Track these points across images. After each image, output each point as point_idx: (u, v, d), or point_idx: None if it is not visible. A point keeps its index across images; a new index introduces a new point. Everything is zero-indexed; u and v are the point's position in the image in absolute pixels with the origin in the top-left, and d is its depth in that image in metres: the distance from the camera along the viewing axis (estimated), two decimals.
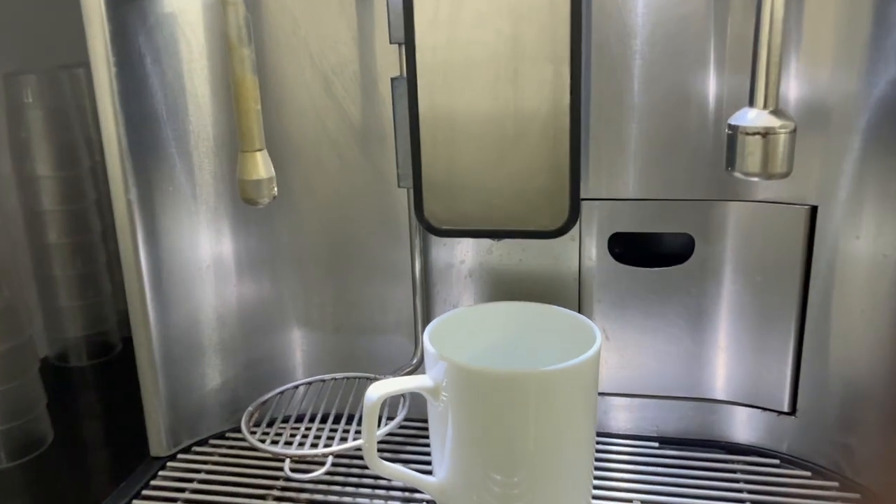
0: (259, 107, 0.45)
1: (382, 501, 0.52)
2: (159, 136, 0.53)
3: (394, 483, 0.53)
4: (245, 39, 0.44)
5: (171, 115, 0.53)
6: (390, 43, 0.52)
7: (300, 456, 0.51)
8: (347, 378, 0.60)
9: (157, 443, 0.58)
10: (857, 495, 0.51)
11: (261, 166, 0.46)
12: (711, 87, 0.50)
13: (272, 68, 0.55)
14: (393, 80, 0.53)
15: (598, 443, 0.58)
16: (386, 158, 0.56)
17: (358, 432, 0.54)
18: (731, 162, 0.42)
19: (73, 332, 0.75)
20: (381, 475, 0.49)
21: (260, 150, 0.46)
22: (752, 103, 0.42)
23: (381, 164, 0.57)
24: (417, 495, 0.52)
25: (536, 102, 0.43)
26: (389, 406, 0.56)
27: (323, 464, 0.50)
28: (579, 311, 0.57)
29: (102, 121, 0.52)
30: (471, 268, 0.58)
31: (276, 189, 0.47)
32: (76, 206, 0.72)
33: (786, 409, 0.55)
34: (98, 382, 0.75)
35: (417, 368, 0.58)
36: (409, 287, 0.59)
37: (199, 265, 0.57)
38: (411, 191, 0.50)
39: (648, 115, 0.52)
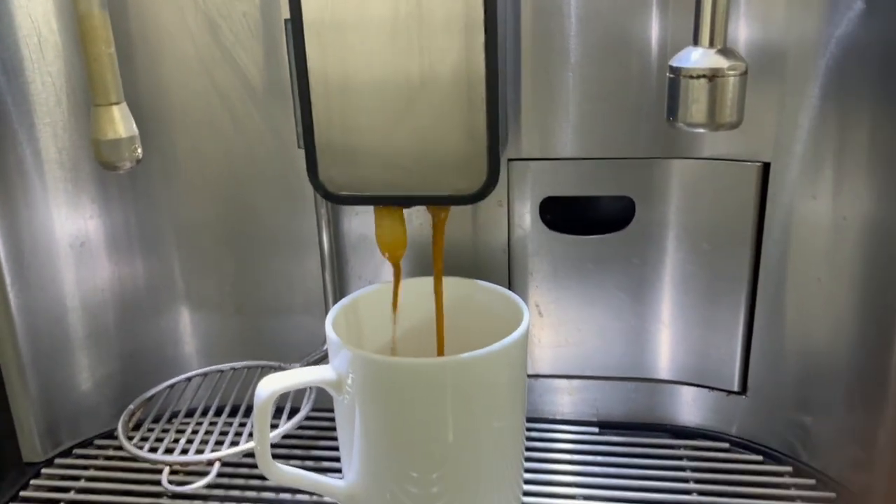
0: (112, 50, 0.37)
1: None
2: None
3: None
4: None
5: (15, 64, 0.45)
6: None
7: (181, 463, 0.44)
8: (248, 367, 0.53)
9: (30, 447, 0.51)
10: (811, 481, 0.47)
11: (118, 123, 0.38)
12: (655, 28, 0.44)
13: (143, 8, 0.47)
14: (287, 21, 0.45)
15: (532, 429, 0.53)
16: (285, 114, 0.49)
17: None
18: (672, 111, 0.36)
19: None
20: (279, 483, 0.42)
21: (116, 103, 0.38)
22: (696, 42, 0.35)
23: (279, 121, 0.49)
24: (329, 500, 0.46)
25: (446, 43, 0.36)
26: (294, 396, 0.50)
27: (209, 470, 0.43)
28: (510, 285, 0.51)
29: None
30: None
31: (140, 150, 0.39)
32: None
33: (736, 388, 0.50)
34: None
35: None
36: (319, 261, 0.52)
37: (67, 243, 0.49)
38: None
39: (584, 62, 0.46)
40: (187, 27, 0.48)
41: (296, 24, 0.37)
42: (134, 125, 0.39)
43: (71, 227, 0.49)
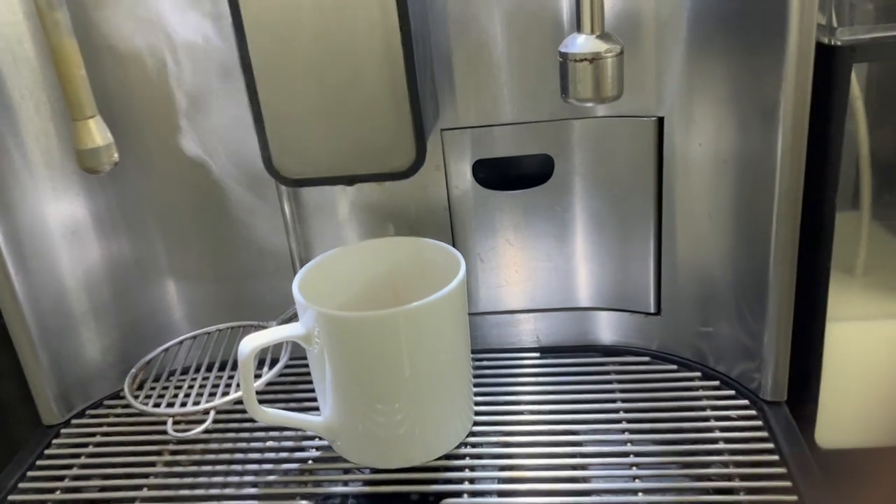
0: (83, 72, 0.43)
1: (276, 443, 0.54)
2: None
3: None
4: (54, 2, 0.41)
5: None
6: None
7: (182, 414, 0.51)
8: (231, 328, 0.60)
9: (48, 412, 0.58)
10: (716, 382, 0.56)
11: (95, 134, 0.44)
12: (565, 6, 0.50)
13: (104, 25, 0.52)
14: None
15: (483, 359, 0.60)
16: (240, 102, 0.54)
17: None
18: (564, 89, 0.43)
19: None
20: (267, 424, 0.50)
21: (92, 116, 0.44)
22: (579, 29, 0.42)
23: (237, 108, 0.55)
24: (311, 433, 0.54)
25: (369, 46, 0.42)
26: (273, 349, 0.57)
27: (206, 418, 0.51)
28: (453, 238, 0.58)
29: None
30: (343, 205, 0.58)
31: (116, 155, 0.45)
32: None
33: (652, 310, 0.58)
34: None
35: None
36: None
37: (60, 234, 0.56)
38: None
39: (504, 40, 0.51)
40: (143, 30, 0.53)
41: (239, 32, 0.43)
42: (109, 133, 0.45)
43: (62, 219, 0.56)
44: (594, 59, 0.41)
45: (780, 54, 0.44)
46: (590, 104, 0.43)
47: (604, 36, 0.42)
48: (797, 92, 0.45)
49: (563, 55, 0.42)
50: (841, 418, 0.56)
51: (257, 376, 0.54)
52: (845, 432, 0.57)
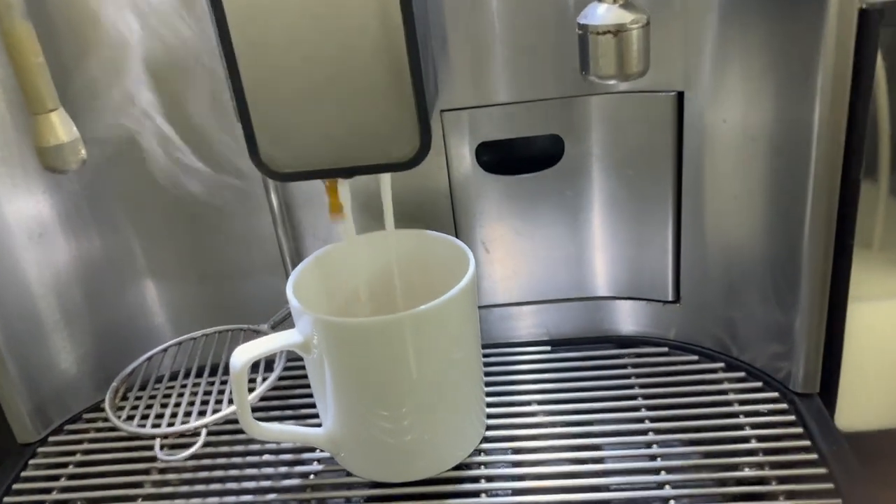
0: (41, 59, 0.38)
1: (274, 456, 0.50)
2: None
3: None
4: None
5: None
6: None
7: (171, 434, 0.47)
8: (219, 332, 0.56)
9: (23, 429, 0.54)
10: (741, 374, 0.52)
11: (59, 129, 0.39)
12: None
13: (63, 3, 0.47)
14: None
15: (491, 354, 0.57)
16: (219, 83, 0.50)
17: None
18: (584, 65, 0.39)
19: None
20: (265, 440, 0.46)
21: (53, 110, 0.39)
22: None
23: (216, 91, 0.50)
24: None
25: (364, 17, 0.38)
26: None
27: (198, 436, 0.47)
28: (455, 227, 0.54)
29: None
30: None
31: (83, 151, 0.40)
32: None
33: (670, 297, 0.55)
34: None
35: None
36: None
37: (26, 236, 0.51)
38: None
39: (505, 12, 0.47)
40: (110, 12, 0.48)
41: (217, 7, 0.38)
42: (74, 128, 0.40)
43: (27, 220, 0.51)
44: (618, 31, 0.37)
45: (819, 21, 0.40)
46: (612, 82, 0.39)
47: (627, 5, 0.37)
48: (838, 61, 0.41)
49: (583, 27, 0.38)
50: (861, 400, 0.54)
51: (252, 380, 0.50)
52: (866, 415, 0.54)
